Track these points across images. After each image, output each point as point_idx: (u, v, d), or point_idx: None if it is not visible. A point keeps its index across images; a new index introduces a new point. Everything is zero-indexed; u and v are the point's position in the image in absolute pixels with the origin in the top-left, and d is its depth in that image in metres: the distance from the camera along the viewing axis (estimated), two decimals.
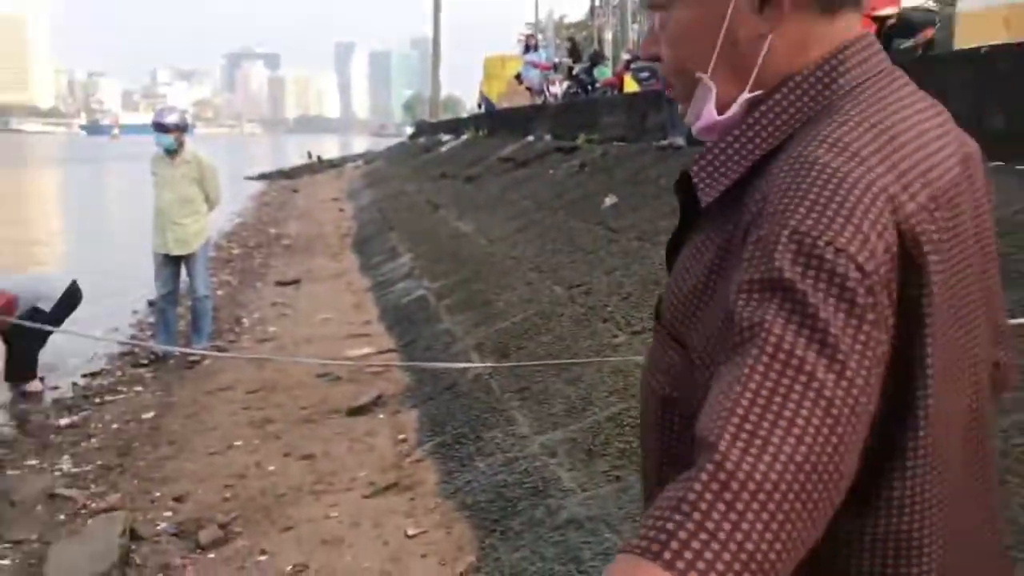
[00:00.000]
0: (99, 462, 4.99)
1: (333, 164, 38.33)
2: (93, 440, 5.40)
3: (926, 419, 0.79)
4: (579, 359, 4.68)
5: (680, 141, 8.64)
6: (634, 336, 4.76)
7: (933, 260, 0.78)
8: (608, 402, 4.09)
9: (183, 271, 7.14)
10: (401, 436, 4.81)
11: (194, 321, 7.23)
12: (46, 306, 6.27)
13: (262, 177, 34.78)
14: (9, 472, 4.93)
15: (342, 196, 21.79)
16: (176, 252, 6.91)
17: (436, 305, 7.27)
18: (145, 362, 7.05)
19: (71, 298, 6.53)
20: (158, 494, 4.43)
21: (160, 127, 6.71)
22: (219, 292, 10.16)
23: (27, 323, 5.78)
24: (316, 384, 5.96)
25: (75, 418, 5.85)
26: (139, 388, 6.47)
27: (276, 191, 27.55)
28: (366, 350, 6.66)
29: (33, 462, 5.10)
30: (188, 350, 6.53)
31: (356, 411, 5.30)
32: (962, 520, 0.87)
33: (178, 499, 4.34)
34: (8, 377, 6.49)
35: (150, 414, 5.76)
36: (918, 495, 0.81)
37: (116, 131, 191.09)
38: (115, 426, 5.62)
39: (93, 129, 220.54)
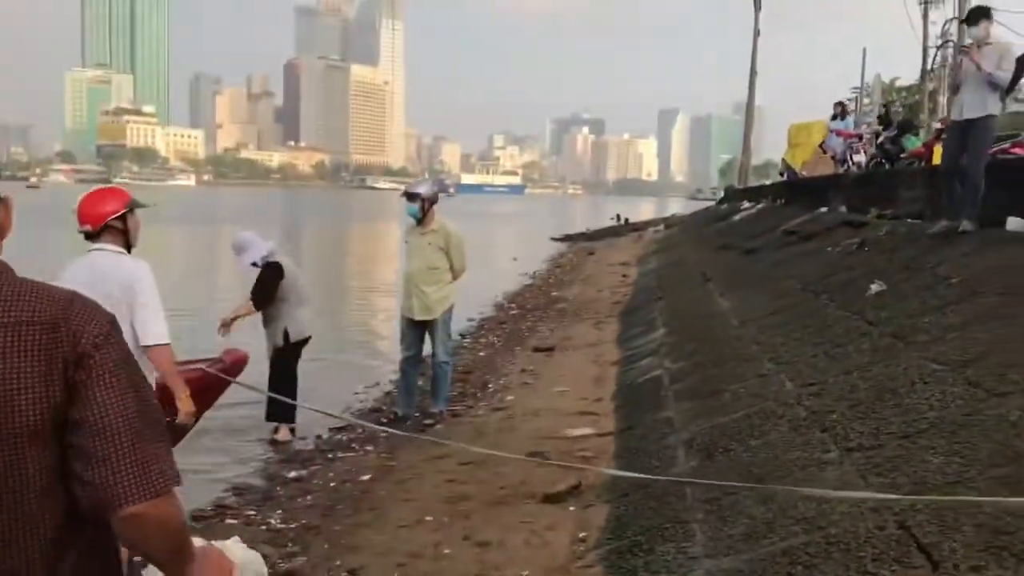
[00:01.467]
0: (304, 521, 5.20)
1: (636, 228, 38.67)
2: (308, 497, 5.66)
3: None
4: (773, 478, 4.15)
5: (969, 225, 7.59)
6: (847, 454, 4.16)
7: None
8: (790, 531, 3.57)
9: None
10: (582, 534, 4.53)
11: (433, 384, 7.45)
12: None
13: (566, 239, 35.90)
14: (228, 521, 5.29)
15: (632, 261, 21.79)
16: (419, 317, 7.16)
17: (667, 388, 6.90)
18: (385, 421, 7.35)
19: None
20: (338, 563, 4.51)
21: (410, 196, 7.05)
22: (481, 354, 10.47)
23: (275, 395, 6.25)
24: (524, 463, 5.84)
25: (303, 472, 6.19)
26: (370, 448, 6.74)
27: (574, 253, 28.27)
28: (586, 430, 6.45)
29: (251, 512, 5.43)
30: (383, 429, 6.57)
31: (550, 498, 5.10)
32: None
33: (352, 572, 4.39)
34: (269, 417, 7.01)
35: (367, 476, 5.95)
36: None
37: (452, 190, 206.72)
38: (332, 484, 5.86)
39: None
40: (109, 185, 4.25)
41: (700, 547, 3.81)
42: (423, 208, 7.05)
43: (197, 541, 1.70)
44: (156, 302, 3.98)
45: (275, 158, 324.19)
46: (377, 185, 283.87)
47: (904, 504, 3.42)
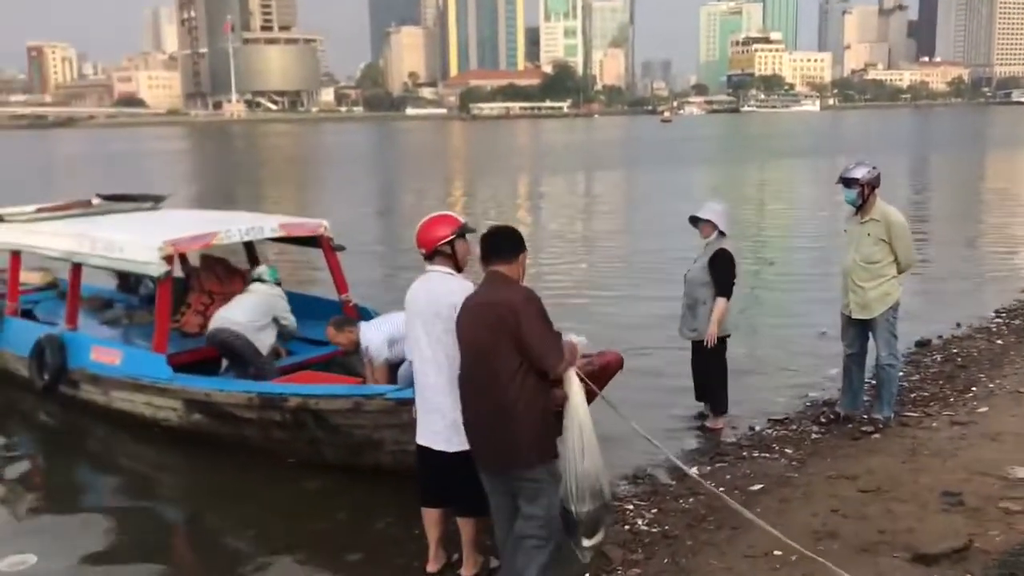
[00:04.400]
0: (667, 527, 5.24)
1: None
2: (692, 499, 5.63)
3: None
4: None
5: None
6: None
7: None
8: None
9: None
10: None
11: (877, 389, 6.72)
12: None
13: None
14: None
15: None
16: (856, 316, 6.50)
17: None
18: (823, 420, 6.89)
19: None
20: None
21: (846, 182, 6.36)
22: (999, 341, 9.10)
23: None
24: (932, 503, 5.05)
25: (707, 468, 6.16)
26: (789, 450, 6.40)
27: None
28: None
29: (629, 507, 5.61)
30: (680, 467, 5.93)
31: (922, 558, 4.40)
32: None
33: None
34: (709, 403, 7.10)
35: (758, 486, 5.72)
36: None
37: None
38: (722, 489, 5.67)
39: None
40: (445, 213, 4.61)
41: None
42: (862, 194, 6.31)
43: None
44: None
45: (905, 77, 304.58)
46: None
47: None
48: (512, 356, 3.93)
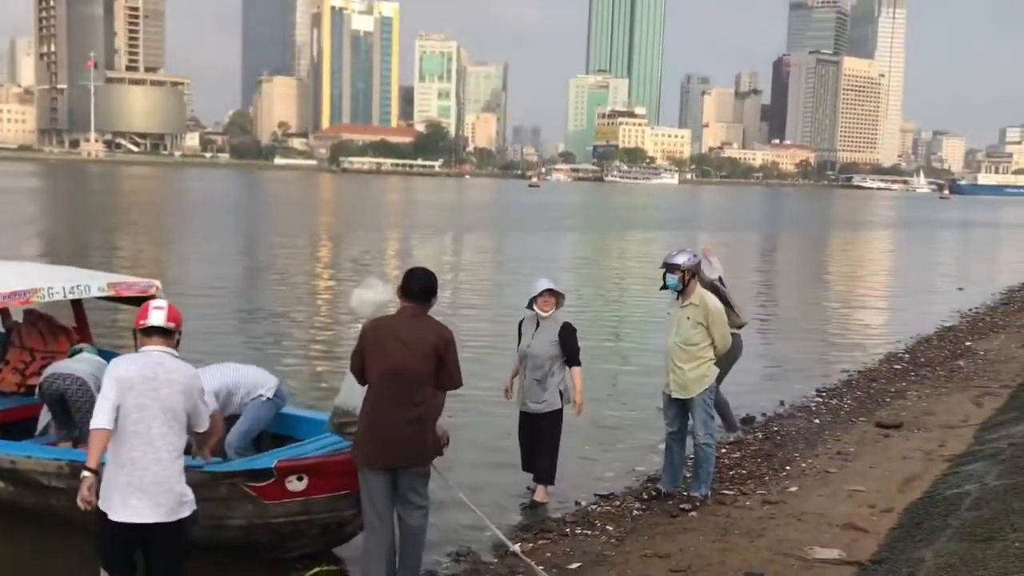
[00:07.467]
0: None
1: None
2: None
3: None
4: None
5: None
6: None
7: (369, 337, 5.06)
8: None
9: None
10: None
11: (695, 467, 6.99)
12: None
13: None
14: None
15: None
16: (675, 395, 6.78)
17: (959, 514, 5.70)
18: (646, 496, 7.09)
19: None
20: None
21: (669, 267, 6.68)
22: (815, 421, 9.57)
23: None
24: None
25: (529, 546, 6.21)
26: (610, 527, 6.53)
27: None
28: (832, 553, 5.60)
29: None
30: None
31: None
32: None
33: None
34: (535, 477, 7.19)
35: (576, 564, 5.79)
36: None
37: (947, 191, 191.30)
38: (541, 567, 5.80)
39: (960, 188, 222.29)
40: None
41: None
42: (683, 279, 6.64)
43: None
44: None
45: (758, 157, 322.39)
46: (864, 184, 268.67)
47: None
48: (431, 377, 4.94)
